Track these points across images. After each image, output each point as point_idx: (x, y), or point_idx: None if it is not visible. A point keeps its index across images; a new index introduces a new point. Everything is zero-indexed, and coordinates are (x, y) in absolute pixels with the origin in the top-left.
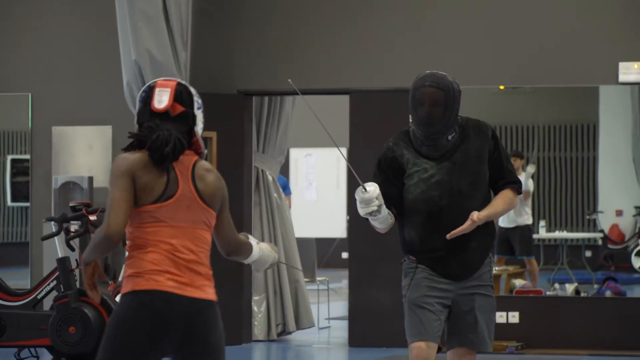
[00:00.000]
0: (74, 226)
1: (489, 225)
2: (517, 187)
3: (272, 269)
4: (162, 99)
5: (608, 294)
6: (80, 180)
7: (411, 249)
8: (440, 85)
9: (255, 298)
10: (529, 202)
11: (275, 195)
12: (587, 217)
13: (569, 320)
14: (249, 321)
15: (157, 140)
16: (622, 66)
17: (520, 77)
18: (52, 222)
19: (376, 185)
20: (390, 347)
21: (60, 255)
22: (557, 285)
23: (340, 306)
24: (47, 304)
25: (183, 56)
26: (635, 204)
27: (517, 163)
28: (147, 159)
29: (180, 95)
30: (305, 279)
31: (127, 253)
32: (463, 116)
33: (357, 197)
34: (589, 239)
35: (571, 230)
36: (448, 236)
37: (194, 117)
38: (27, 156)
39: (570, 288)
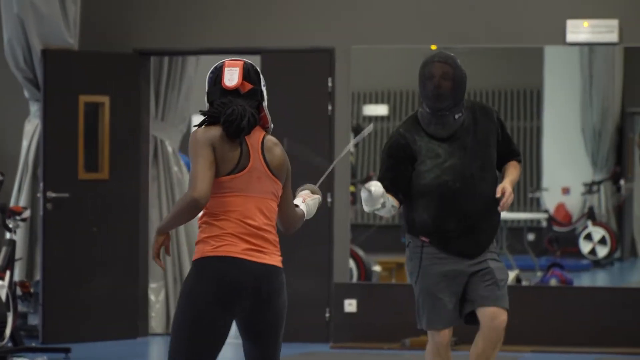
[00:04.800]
0: None
1: (497, 206)
2: (520, 158)
3: (171, 250)
4: (232, 77)
5: (553, 282)
6: None
7: (423, 231)
8: (449, 62)
9: (152, 286)
10: None
11: (176, 168)
12: (530, 195)
13: (509, 312)
14: (146, 312)
15: (232, 114)
16: (570, 24)
17: (454, 36)
18: None
19: (378, 184)
20: (305, 343)
21: None
22: None
23: None
24: None
25: (72, 10)
26: (584, 181)
27: None
28: (222, 133)
29: (249, 73)
30: None
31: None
32: (469, 99)
33: (362, 195)
34: (531, 221)
35: (511, 211)
36: (501, 209)
37: (261, 93)
38: None
39: (510, 276)
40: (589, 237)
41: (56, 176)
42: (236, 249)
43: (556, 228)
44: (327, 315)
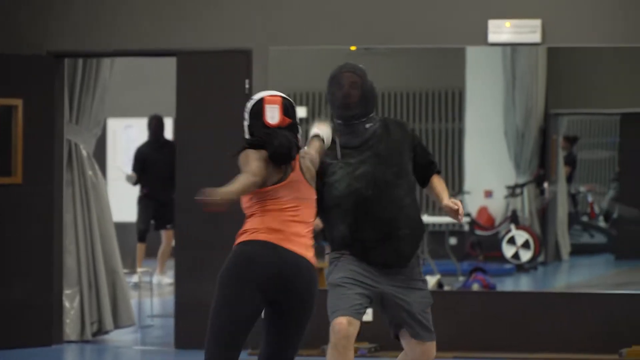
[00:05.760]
0: None
1: (417, 214)
2: (440, 171)
3: (87, 255)
4: (274, 115)
5: (475, 287)
6: None
7: (343, 243)
8: (357, 72)
9: (66, 292)
10: None
11: (91, 172)
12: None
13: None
14: (60, 319)
15: (280, 146)
16: (492, 24)
17: (374, 36)
18: None
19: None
20: None
21: None
22: None
23: (165, 302)
24: None
25: None
26: (507, 184)
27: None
28: (267, 157)
29: (287, 109)
30: (125, 270)
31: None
32: (383, 116)
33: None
34: (453, 224)
35: (432, 214)
36: (461, 217)
37: (297, 126)
38: None
39: (432, 281)
40: (512, 240)
41: None
42: (270, 237)
43: (478, 232)
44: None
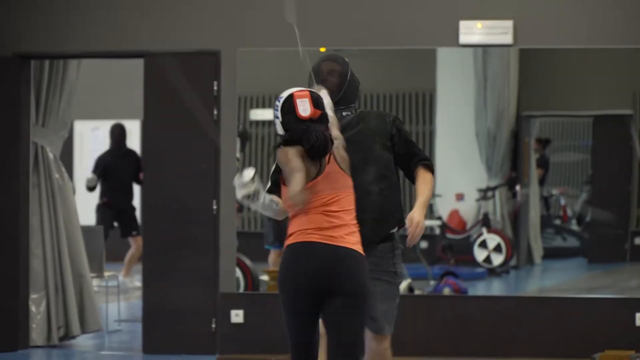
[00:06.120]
0: None
1: (389, 203)
2: (430, 164)
3: (53, 259)
4: (305, 108)
5: (447, 291)
6: None
7: None
8: (337, 60)
9: (33, 296)
10: None
11: (57, 175)
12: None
13: (401, 323)
14: (26, 324)
15: (317, 141)
16: (463, 25)
17: (344, 38)
18: None
19: (253, 169)
20: (190, 354)
21: None
22: None
23: (132, 306)
24: None
25: None
26: (478, 187)
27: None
28: (303, 151)
29: (316, 102)
30: (92, 274)
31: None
32: (367, 109)
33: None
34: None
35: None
36: (409, 243)
37: (327, 116)
38: None
39: (402, 285)
40: (483, 244)
41: None
42: (312, 237)
43: (450, 235)
44: (214, 326)
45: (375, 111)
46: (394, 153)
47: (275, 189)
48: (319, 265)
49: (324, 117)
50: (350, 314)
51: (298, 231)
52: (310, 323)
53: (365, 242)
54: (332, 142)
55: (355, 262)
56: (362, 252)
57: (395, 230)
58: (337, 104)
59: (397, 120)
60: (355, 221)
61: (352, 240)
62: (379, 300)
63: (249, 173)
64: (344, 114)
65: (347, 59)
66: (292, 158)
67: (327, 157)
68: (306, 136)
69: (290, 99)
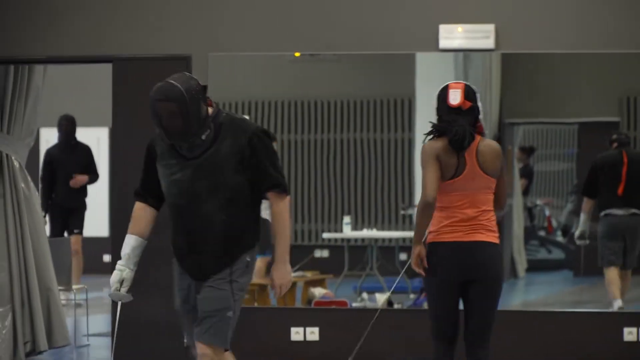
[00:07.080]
0: None
1: (234, 226)
2: (279, 190)
3: (19, 272)
4: (455, 97)
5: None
6: None
7: (172, 243)
8: (170, 97)
9: None
10: None
11: (23, 185)
12: (402, 212)
13: (380, 337)
14: None
15: (457, 134)
16: (443, 29)
17: (319, 42)
18: None
19: (123, 269)
20: None
21: None
22: (365, 295)
23: (102, 320)
24: None
25: None
26: None
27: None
28: (445, 146)
29: (468, 93)
30: (60, 287)
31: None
32: (230, 113)
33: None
34: (403, 239)
35: (382, 229)
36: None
37: (478, 109)
38: None
39: (381, 298)
40: None
41: None
42: (452, 235)
43: None
44: (185, 340)
45: (238, 122)
46: (248, 177)
47: (142, 192)
48: (468, 260)
49: (474, 109)
50: (491, 300)
51: (436, 230)
52: (456, 306)
53: (202, 273)
54: (473, 138)
55: (494, 253)
56: (497, 241)
57: (245, 254)
58: (189, 138)
59: (255, 138)
60: (487, 215)
61: (488, 235)
62: (209, 307)
63: (115, 274)
64: (203, 137)
65: (174, 81)
66: (426, 158)
67: (471, 157)
68: (450, 128)
69: (446, 88)
